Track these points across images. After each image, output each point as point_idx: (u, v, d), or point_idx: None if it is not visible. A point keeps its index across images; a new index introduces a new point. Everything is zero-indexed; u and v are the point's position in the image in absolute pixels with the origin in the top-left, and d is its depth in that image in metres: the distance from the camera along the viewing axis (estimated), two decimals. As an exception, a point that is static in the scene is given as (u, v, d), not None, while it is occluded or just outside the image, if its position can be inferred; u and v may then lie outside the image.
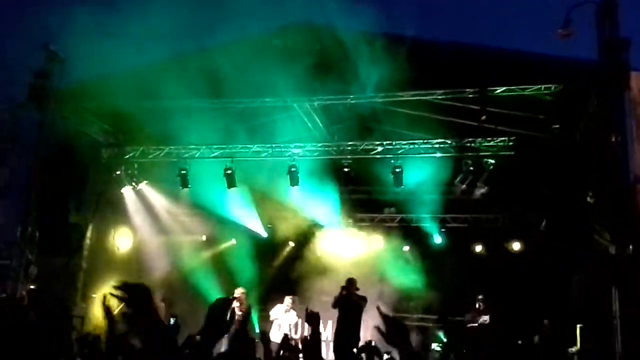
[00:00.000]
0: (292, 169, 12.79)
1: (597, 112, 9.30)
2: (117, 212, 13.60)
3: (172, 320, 13.00)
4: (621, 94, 7.83)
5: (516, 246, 15.07)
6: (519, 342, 12.59)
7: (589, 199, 10.31)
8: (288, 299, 12.98)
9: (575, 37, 7.85)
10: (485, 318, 13.29)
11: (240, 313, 12.67)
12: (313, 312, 5.89)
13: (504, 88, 10.47)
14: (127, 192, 13.50)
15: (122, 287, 2.85)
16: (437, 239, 15.65)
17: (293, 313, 12.72)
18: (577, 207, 11.46)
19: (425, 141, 12.41)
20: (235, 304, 12.69)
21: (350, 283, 11.29)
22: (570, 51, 9.20)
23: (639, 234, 9.37)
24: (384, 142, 12.69)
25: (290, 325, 12.90)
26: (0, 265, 11.68)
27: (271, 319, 12.78)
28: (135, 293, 2.86)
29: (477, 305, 13.59)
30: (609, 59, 7.41)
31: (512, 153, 12.07)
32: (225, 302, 3.32)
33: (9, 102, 11.80)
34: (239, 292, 12.92)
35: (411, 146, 12.51)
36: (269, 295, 15.26)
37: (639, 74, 9.19)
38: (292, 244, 16.54)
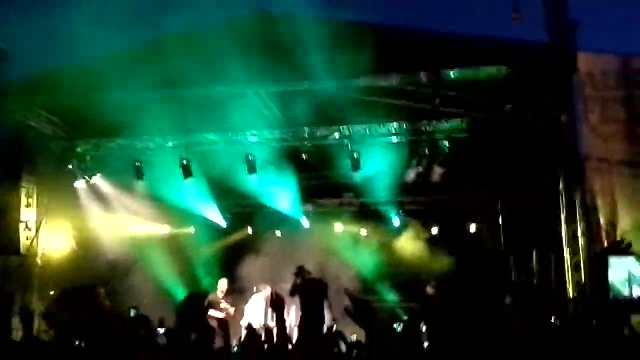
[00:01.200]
0: (249, 157, 12.72)
1: (546, 92, 9.54)
2: (70, 207, 13.27)
3: (132, 312, 12.85)
4: (569, 75, 8.03)
5: (472, 227, 15.39)
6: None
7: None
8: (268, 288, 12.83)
9: (525, 20, 8.00)
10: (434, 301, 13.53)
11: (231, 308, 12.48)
12: (278, 296, 5.96)
13: (456, 71, 10.57)
14: (80, 185, 13.19)
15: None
16: (396, 222, 15.86)
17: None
18: (531, 186, 11.76)
19: (381, 125, 12.48)
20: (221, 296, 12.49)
21: (300, 270, 11.41)
22: (524, 33, 9.40)
23: (589, 210, 9.74)
24: (341, 128, 12.70)
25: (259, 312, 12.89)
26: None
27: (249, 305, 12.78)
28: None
29: (427, 291, 13.85)
30: (556, 41, 7.59)
31: (467, 135, 12.28)
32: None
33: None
34: (224, 283, 12.73)
35: (367, 131, 12.57)
36: (232, 284, 15.21)
37: (586, 55, 9.47)
38: (250, 232, 16.50)
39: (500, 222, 13.71)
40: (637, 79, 10.12)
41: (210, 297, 12.49)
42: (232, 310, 12.45)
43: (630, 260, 9.64)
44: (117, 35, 10.94)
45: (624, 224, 9.90)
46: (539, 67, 9.22)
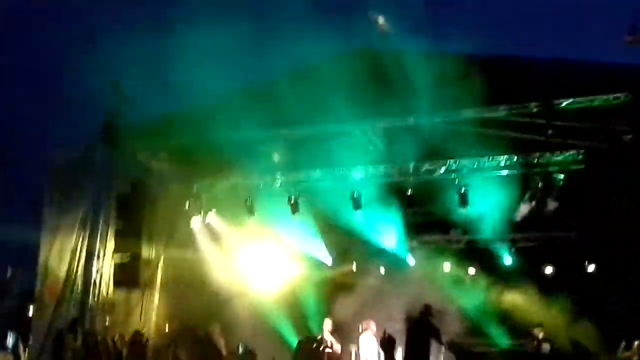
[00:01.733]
0: (355, 193, 12.81)
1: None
2: (187, 244, 13.89)
3: (241, 348, 13.11)
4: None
5: (591, 267, 14.41)
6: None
7: None
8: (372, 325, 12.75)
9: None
10: (546, 346, 12.71)
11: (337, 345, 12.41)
12: (389, 336, 5.89)
13: (570, 100, 10.21)
14: (196, 223, 13.80)
15: None
16: (507, 260, 15.18)
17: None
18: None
19: (491, 159, 12.20)
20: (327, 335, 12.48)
21: (427, 309, 11.20)
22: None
23: None
24: (448, 162, 12.54)
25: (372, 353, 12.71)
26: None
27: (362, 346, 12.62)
28: None
29: (534, 333, 13.04)
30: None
31: (583, 167, 11.71)
32: None
33: (85, 139, 12.40)
34: (329, 323, 12.72)
35: (476, 164, 12.32)
36: (337, 323, 15.14)
37: None
38: (355, 268, 16.39)
39: (620, 261, 12.76)
40: None
41: (318, 337, 12.51)
42: (339, 348, 12.36)
43: None
44: (226, 77, 11.54)
45: None
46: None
